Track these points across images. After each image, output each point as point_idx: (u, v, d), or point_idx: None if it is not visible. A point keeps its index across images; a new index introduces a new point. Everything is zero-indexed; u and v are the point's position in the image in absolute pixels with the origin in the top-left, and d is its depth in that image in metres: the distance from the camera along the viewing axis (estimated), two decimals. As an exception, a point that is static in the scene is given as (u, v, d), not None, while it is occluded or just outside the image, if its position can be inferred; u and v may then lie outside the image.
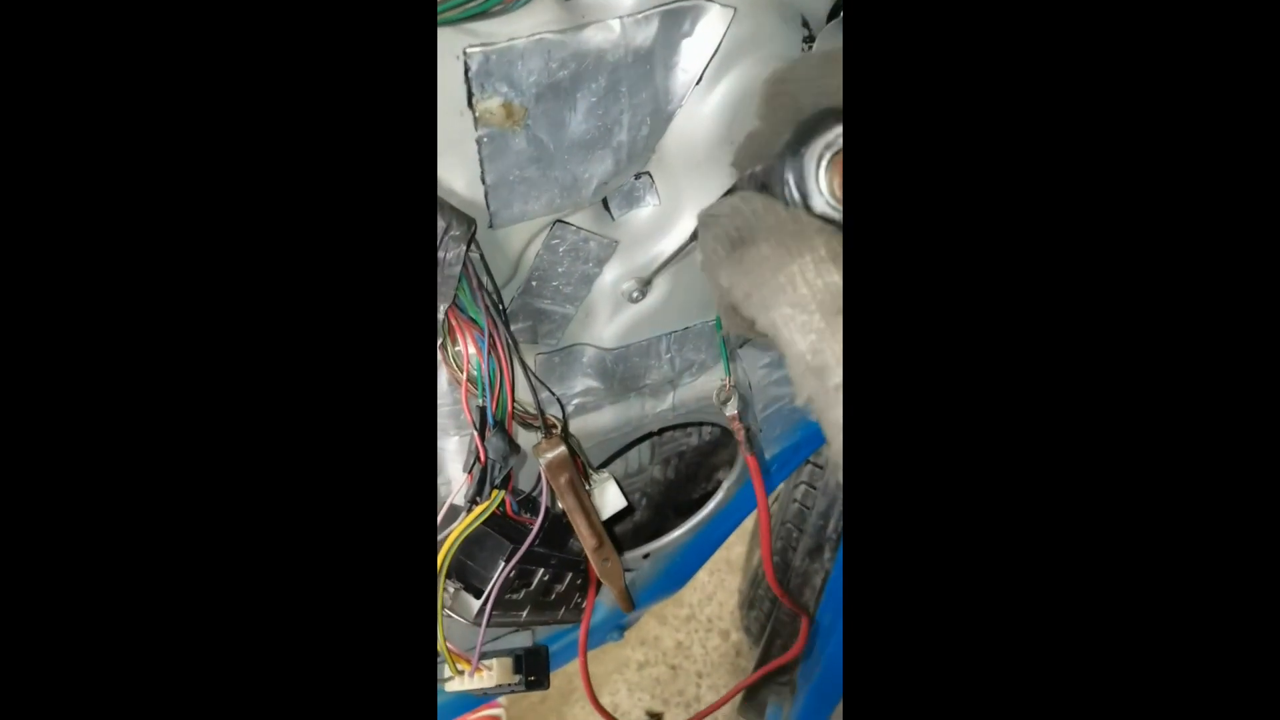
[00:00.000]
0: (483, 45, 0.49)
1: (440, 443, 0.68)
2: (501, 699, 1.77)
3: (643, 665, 1.99)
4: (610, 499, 0.70)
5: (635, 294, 0.71)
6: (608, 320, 0.73)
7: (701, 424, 0.96)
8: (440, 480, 0.71)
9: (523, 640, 0.88)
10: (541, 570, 0.63)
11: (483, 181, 0.56)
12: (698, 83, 0.57)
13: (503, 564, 0.58)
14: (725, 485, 1.08)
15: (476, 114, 0.52)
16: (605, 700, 1.95)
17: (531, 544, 0.60)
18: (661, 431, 0.92)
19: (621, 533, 1.03)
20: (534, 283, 0.66)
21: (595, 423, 0.82)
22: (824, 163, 0.41)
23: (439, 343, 0.59)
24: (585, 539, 0.64)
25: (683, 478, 1.15)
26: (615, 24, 0.52)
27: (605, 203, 0.65)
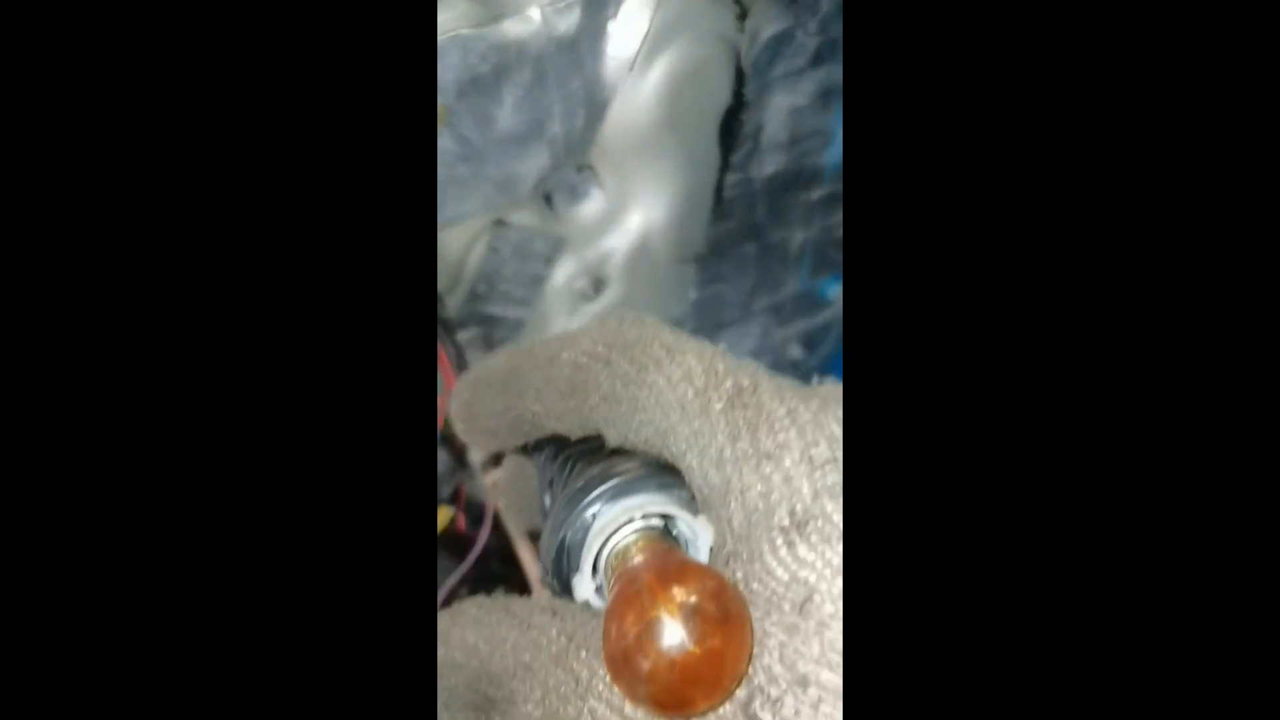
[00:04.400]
0: (390, 43, 0.46)
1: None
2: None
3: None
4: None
5: (589, 292, 0.68)
6: (564, 321, 0.70)
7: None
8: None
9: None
10: (503, 587, 0.61)
11: (410, 185, 0.53)
12: (631, 69, 0.54)
13: (452, 575, 0.55)
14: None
15: (393, 115, 0.49)
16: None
17: (476, 561, 0.57)
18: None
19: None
20: (479, 288, 0.63)
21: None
22: (610, 551, 0.26)
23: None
24: (528, 567, 0.62)
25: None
26: (535, 14, 0.49)
27: (548, 199, 0.62)
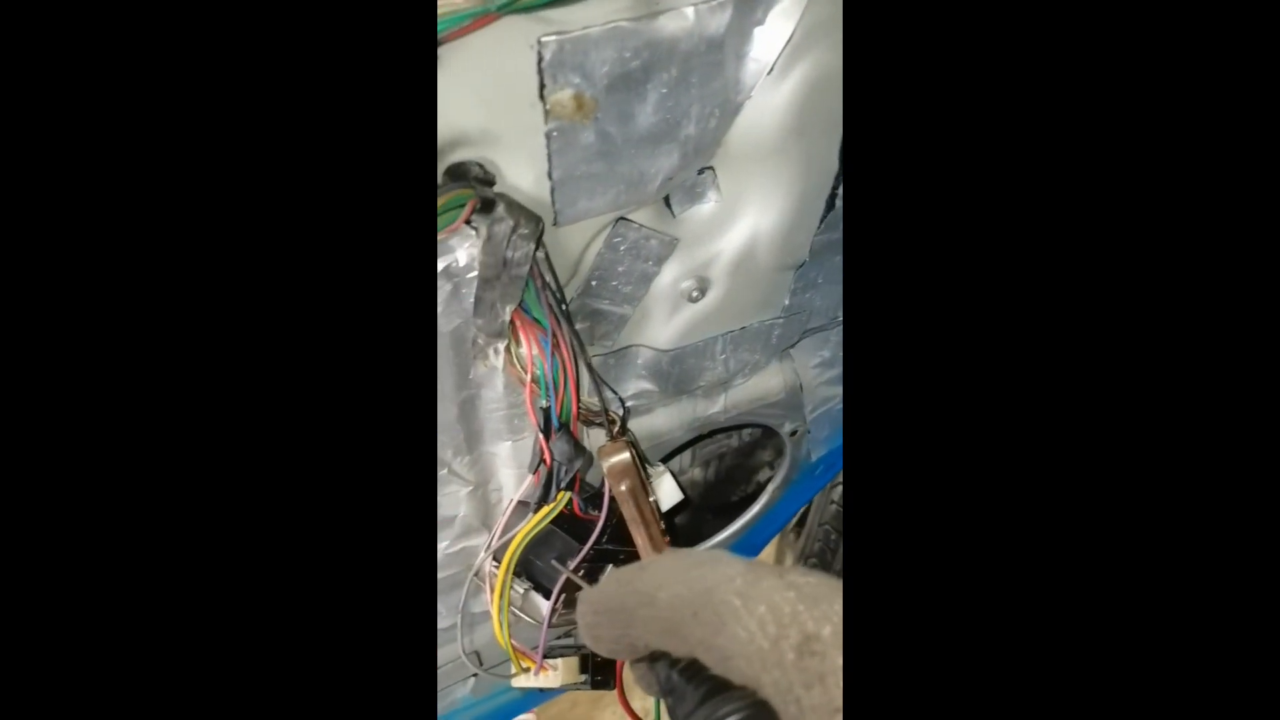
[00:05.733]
0: (557, 34, 0.48)
1: (492, 447, 0.67)
2: (533, 710, 1.76)
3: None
4: (667, 492, 0.69)
5: (695, 293, 0.69)
6: (664, 321, 0.71)
7: (751, 426, 0.94)
8: (491, 486, 0.70)
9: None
10: (610, 566, 0.62)
11: (549, 177, 0.54)
12: (769, 72, 0.55)
13: (569, 564, 0.56)
14: (770, 488, 1.06)
15: (547, 106, 0.50)
16: (634, 705, 1.93)
17: (595, 544, 0.58)
18: (713, 434, 0.91)
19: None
20: (594, 282, 0.64)
21: (647, 426, 0.80)
22: None
23: (504, 345, 0.57)
24: (643, 554, 0.63)
25: (723, 480, 1.13)
26: (689, 11, 0.50)
27: (666, 199, 0.63)
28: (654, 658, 0.36)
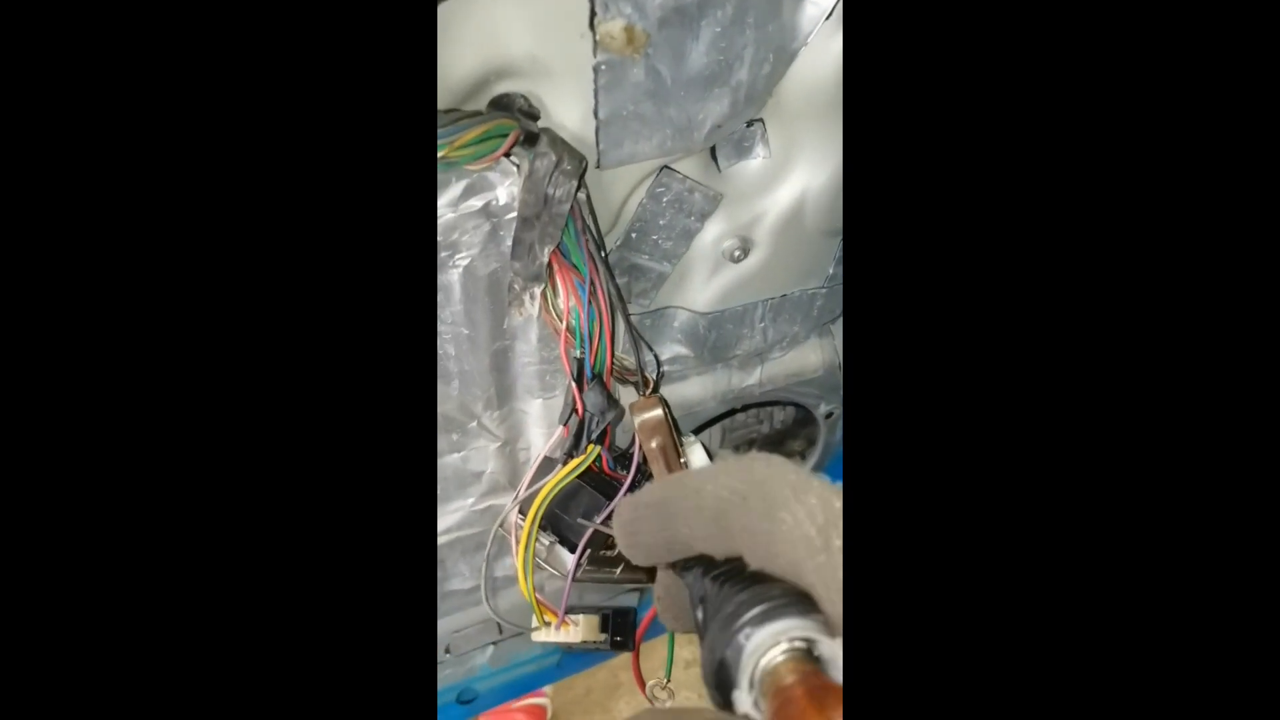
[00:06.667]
0: (612, -42, 0.46)
1: (523, 404, 0.65)
2: (546, 688, 1.74)
3: (690, 664, 1.95)
4: (698, 460, 0.67)
5: (737, 253, 0.67)
6: (703, 282, 0.69)
7: (786, 403, 0.92)
8: (520, 444, 0.69)
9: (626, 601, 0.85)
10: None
11: (595, 115, 0.52)
12: (828, 17, 0.53)
13: (595, 519, 0.54)
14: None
15: (597, 37, 0.49)
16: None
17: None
18: (746, 408, 0.89)
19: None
20: (633, 234, 0.63)
21: (679, 394, 0.78)
22: (760, 670, 0.28)
23: (541, 290, 0.56)
24: None
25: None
26: (750, -56, 0.49)
27: (713, 152, 0.61)
28: (686, 565, 0.35)
